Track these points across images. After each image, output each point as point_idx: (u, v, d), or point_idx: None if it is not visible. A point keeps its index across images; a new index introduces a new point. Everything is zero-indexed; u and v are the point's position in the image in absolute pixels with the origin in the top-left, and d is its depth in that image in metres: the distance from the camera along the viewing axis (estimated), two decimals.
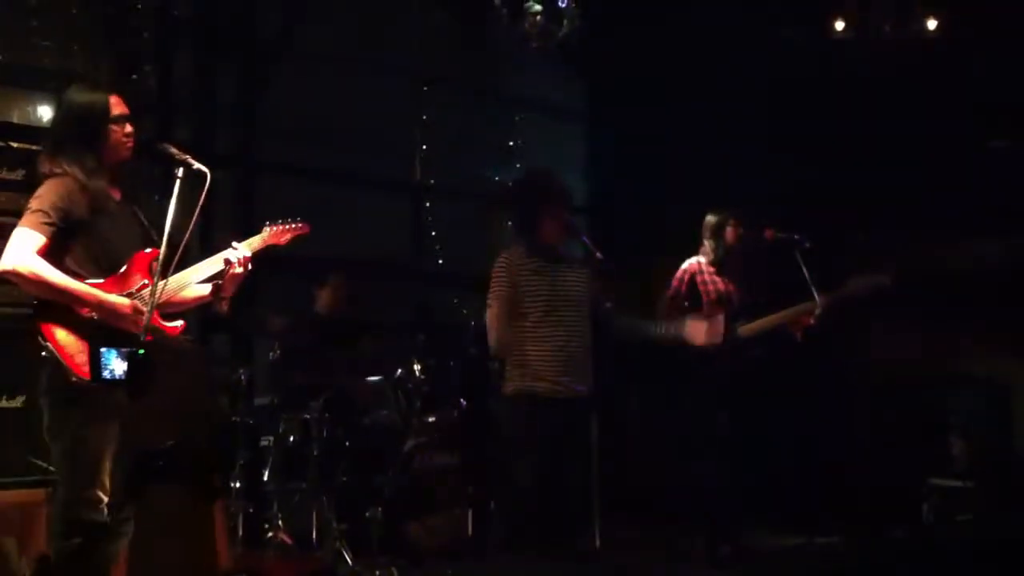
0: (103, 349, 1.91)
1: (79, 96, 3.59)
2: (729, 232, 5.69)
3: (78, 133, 3.49)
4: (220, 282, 3.62)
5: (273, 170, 7.10)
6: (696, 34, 7.52)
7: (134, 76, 6.27)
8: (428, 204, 7.87)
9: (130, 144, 3.57)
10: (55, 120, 3.78)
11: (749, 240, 5.70)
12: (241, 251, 3.65)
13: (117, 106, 3.55)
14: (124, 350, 1.77)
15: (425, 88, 7.84)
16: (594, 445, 4.56)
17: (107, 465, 3.24)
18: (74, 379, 3.18)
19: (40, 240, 3.30)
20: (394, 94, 7.70)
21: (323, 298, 5.95)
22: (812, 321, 5.48)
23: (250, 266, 3.65)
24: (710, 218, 5.78)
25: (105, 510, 3.23)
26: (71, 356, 3.21)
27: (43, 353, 3.21)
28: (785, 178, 7.25)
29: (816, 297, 5.40)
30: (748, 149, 7.51)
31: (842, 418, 7.06)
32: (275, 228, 3.88)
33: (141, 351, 1.54)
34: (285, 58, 7.04)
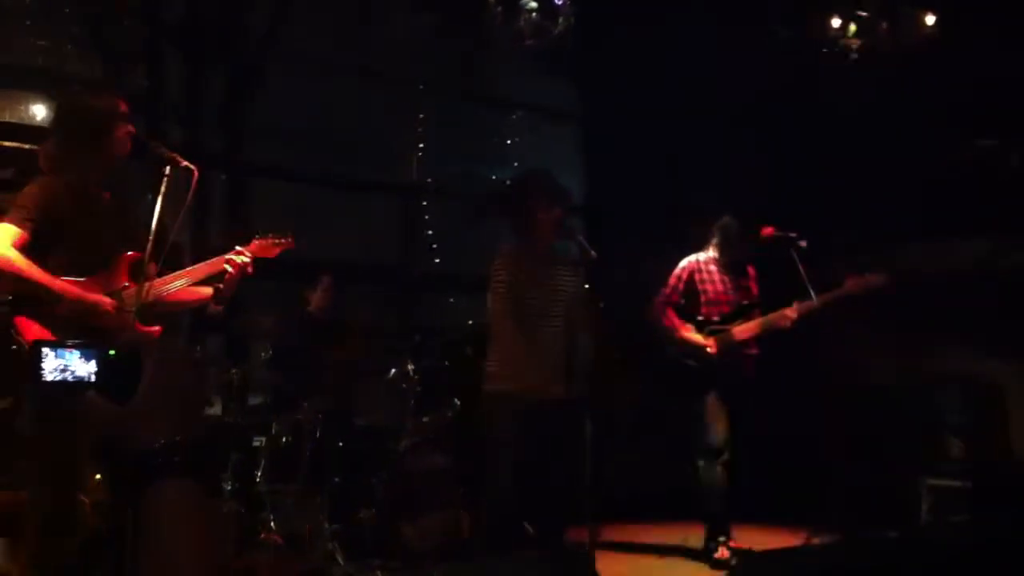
0: (55, 350, 1.85)
1: (89, 97, 3.62)
2: (744, 242, 5.64)
3: (86, 134, 3.51)
4: (220, 284, 3.67)
5: (266, 171, 7.07)
6: (689, 36, 7.50)
7: (124, 76, 6.27)
8: (423, 204, 7.84)
9: (129, 144, 3.60)
10: (60, 119, 3.75)
11: (752, 242, 5.69)
12: (242, 257, 3.70)
13: (122, 105, 3.60)
14: (91, 351, 1.73)
15: (421, 87, 7.80)
16: (587, 445, 4.53)
17: (86, 463, 3.21)
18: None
19: (16, 233, 3.30)
20: (388, 95, 7.68)
21: (314, 300, 5.94)
22: (794, 317, 5.46)
23: (250, 270, 3.71)
24: (729, 220, 5.72)
25: (88, 511, 3.21)
26: None
27: (13, 347, 3.18)
28: (777, 178, 7.23)
29: (812, 295, 5.38)
30: (740, 150, 7.49)
31: (839, 418, 7.02)
32: (263, 241, 3.90)
33: (112, 352, 1.49)
34: (277, 58, 7.02)
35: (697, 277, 5.69)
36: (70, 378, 1.73)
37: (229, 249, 3.81)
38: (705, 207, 5.78)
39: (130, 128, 3.61)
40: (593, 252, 4.56)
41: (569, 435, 4.35)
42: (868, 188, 7.01)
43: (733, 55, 7.27)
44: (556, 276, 4.54)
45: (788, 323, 5.50)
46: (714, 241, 5.74)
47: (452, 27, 7.49)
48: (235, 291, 3.76)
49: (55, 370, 1.92)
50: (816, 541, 5.40)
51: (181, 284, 3.61)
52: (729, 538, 5.52)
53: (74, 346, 1.78)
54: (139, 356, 1.52)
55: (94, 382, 1.63)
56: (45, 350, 1.68)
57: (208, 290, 3.71)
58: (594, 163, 8.75)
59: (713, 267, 5.69)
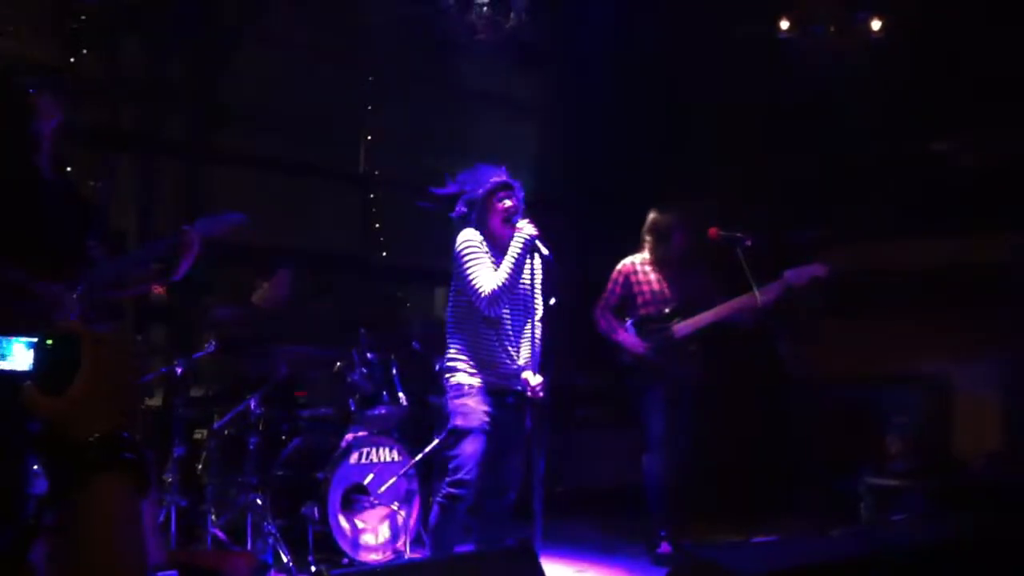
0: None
1: None
2: (679, 236, 5.65)
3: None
4: (168, 264, 3.60)
5: (223, 157, 6.98)
6: (648, 30, 7.51)
7: (82, 60, 6.14)
8: (375, 196, 7.78)
9: (49, 111, 3.47)
10: None
11: (693, 239, 5.70)
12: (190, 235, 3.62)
13: (30, 73, 3.48)
14: (32, 340, 1.69)
15: (371, 79, 7.74)
16: (539, 440, 4.53)
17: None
18: None
19: None
20: (345, 84, 7.61)
21: (264, 290, 5.85)
22: (750, 318, 5.49)
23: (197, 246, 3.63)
24: (657, 217, 5.72)
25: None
26: None
27: None
28: (733, 175, 7.28)
29: (756, 292, 5.40)
30: (697, 145, 7.52)
31: (781, 415, 7.10)
32: (214, 218, 3.82)
33: (50, 341, 1.45)
34: (236, 46, 6.93)
35: (633, 279, 5.70)
36: (7, 367, 1.67)
37: (178, 233, 3.72)
38: (661, 201, 5.78)
39: (47, 97, 3.45)
40: (546, 249, 4.56)
41: (522, 428, 4.36)
42: (830, 186, 7.09)
43: (696, 51, 7.29)
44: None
45: (724, 314, 5.54)
46: (645, 240, 5.75)
47: (413, 16, 7.45)
48: (183, 273, 3.67)
49: None
50: (758, 538, 5.45)
51: (129, 265, 3.55)
52: (671, 533, 5.54)
53: (11, 334, 1.73)
54: (77, 345, 1.47)
55: (31, 372, 1.58)
56: None
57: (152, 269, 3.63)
58: (550, 155, 8.73)
59: (648, 268, 5.71)
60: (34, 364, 1.64)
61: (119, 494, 1.41)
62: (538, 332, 4.48)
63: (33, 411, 1.47)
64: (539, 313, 4.47)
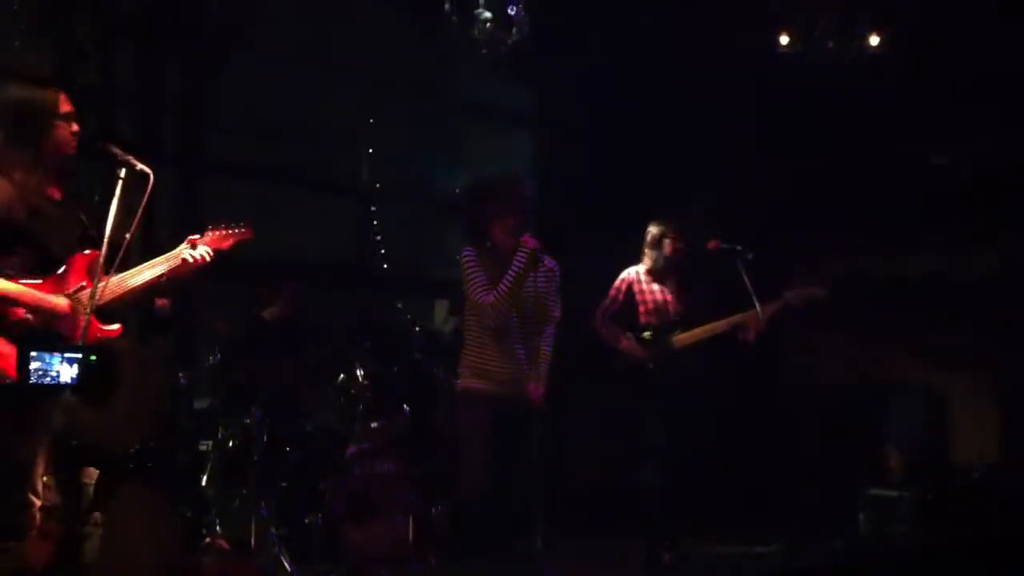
0: (39, 353, 1.82)
1: (23, 92, 3.53)
2: (667, 244, 5.72)
3: (20, 130, 3.44)
4: (174, 276, 3.61)
5: (218, 169, 6.98)
6: (644, 41, 7.56)
7: (76, 70, 6.15)
8: (374, 208, 7.80)
9: (74, 143, 3.54)
10: None
11: (691, 250, 5.75)
12: (200, 250, 3.63)
13: (65, 103, 3.51)
14: (72, 355, 1.69)
15: (373, 90, 7.77)
16: (540, 448, 4.59)
17: (39, 469, 3.16)
18: (6, 381, 3.08)
19: None
20: (342, 95, 7.64)
21: (274, 304, 5.86)
22: (751, 333, 5.54)
23: (208, 259, 3.65)
24: (651, 229, 5.80)
25: (37, 514, 3.16)
26: (3, 357, 3.12)
27: None
28: (730, 182, 7.33)
29: (757, 307, 5.46)
30: (694, 154, 7.57)
31: (781, 427, 7.14)
32: (217, 232, 3.83)
33: (94, 356, 1.47)
34: (233, 55, 6.94)
35: (635, 289, 5.76)
36: (49, 381, 1.69)
37: (179, 243, 3.74)
38: (659, 210, 5.85)
39: (74, 127, 3.52)
40: (548, 261, 4.64)
41: (527, 435, 4.42)
42: (829, 196, 7.14)
43: (689, 58, 7.34)
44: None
45: (725, 329, 5.60)
46: (645, 253, 5.82)
47: (411, 28, 7.49)
48: (187, 284, 3.70)
49: (36, 372, 1.89)
50: (758, 547, 5.49)
51: (138, 280, 3.56)
52: (673, 543, 5.57)
53: (58, 350, 1.76)
54: (115, 360, 1.50)
55: (74, 385, 1.60)
56: (32, 353, 1.67)
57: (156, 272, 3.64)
58: (547, 166, 8.76)
59: (650, 278, 5.77)
60: (78, 378, 1.68)
61: (152, 501, 1.46)
62: (544, 342, 4.58)
63: (74, 423, 1.52)
64: (547, 323, 4.56)
